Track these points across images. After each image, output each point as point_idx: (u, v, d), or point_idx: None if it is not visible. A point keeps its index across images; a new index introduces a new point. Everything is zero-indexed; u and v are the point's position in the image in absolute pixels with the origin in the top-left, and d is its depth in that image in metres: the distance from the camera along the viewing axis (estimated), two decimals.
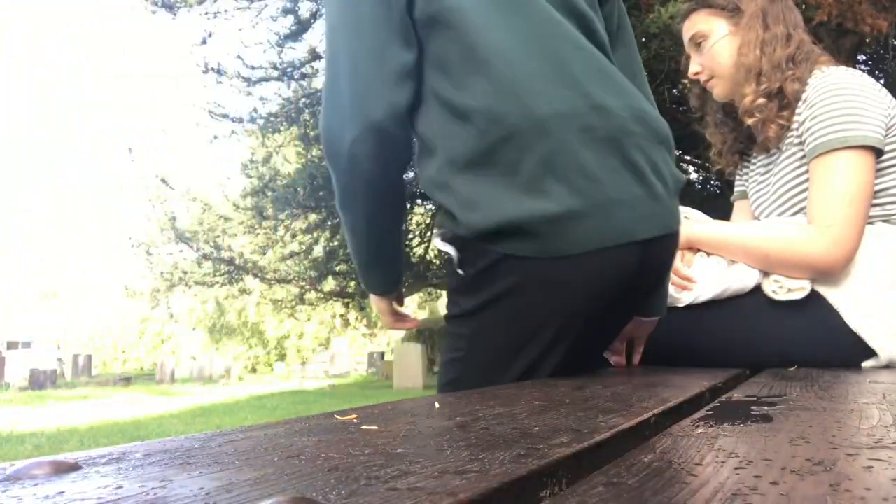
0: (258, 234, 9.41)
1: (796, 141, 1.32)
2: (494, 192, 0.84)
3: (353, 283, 10.02)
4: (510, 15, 0.87)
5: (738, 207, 1.59)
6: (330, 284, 10.14)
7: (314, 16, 7.76)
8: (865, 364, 1.19)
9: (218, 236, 9.34)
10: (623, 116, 0.88)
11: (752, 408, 0.60)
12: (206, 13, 7.66)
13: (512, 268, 0.87)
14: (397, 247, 1.06)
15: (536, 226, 0.83)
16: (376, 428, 0.48)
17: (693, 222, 1.33)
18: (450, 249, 0.91)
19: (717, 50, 1.41)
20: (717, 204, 4.15)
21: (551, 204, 0.82)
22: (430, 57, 0.90)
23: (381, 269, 1.07)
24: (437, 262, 10.30)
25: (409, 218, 10.16)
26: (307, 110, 8.43)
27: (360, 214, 0.98)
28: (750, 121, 1.37)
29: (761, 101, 1.34)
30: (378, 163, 0.92)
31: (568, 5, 0.95)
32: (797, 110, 1.32)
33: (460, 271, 0.91)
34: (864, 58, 6.33)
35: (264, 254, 9.75)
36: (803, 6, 4.00)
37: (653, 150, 0.91)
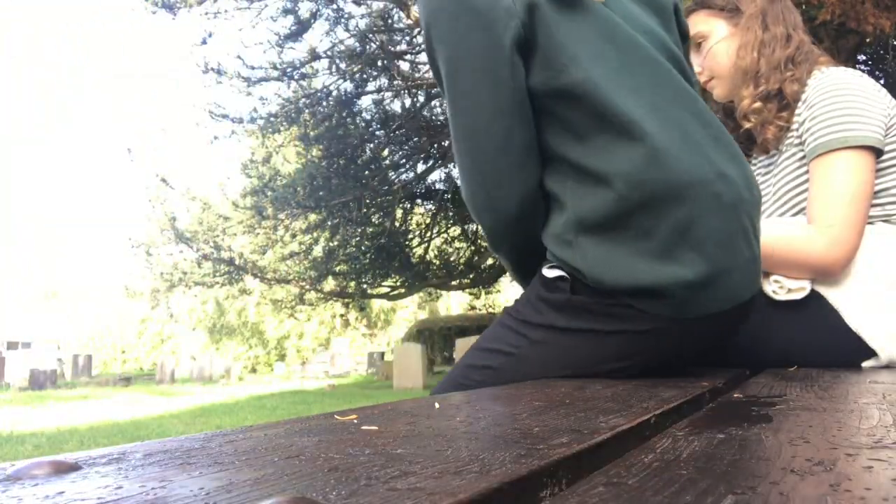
0: (258, 234, 9.42)
1: (796, 141, 1.32)
2: (626, 256, 0.86)
3: (352, 283, 10.04)
4: (634, 79, 0.88)
5: None
6: (330, 284, 10.14)
7: (314, 16, 7.76)
8: (865, 364, 1.19)
9: (218, 236, 9.34)
10: (739, 184, 0.90)
11: (752, 408, 0.60)
12: (206, 13, 7.66)
13: (628, 315, 0.89)
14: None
15: (668, 290, 0.85)
16: (376, 428, 0.48)
17: None
18: (562, 274, 0.92)
19: (716, 51, 1.41)
20: None
21: (685, 270, 0.85)
22: (556, 122, 0.90)
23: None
24: (438, 262, 10.31)
25: (410, 218, 10.17)
26: (307, 110, 8.43)
27: (506, 257, 1.06)
28: (747, 125, 1.37)
29: (758, 104, 1.34)
30: (517, 233, 0.98)
31: (668, 52, 0.97)
32: (797, 111, 1.32)
33: (573, 296, 0.91)
34: (864, 58, 6.33)
35: (264, 254, 9.75)
36: (804, 6, 4.00)
37: (754, 215, 0.94)
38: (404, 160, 9.41)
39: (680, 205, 0.84)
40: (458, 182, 1.01)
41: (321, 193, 8.20)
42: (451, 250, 10.64)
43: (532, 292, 0.99)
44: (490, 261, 10.63)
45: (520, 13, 0.86)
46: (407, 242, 9.96)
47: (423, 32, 0.95)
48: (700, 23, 1.42)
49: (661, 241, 0.85)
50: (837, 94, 1.26)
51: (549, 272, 0.94)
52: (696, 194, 0.85)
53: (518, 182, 0.93)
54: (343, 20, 8.01)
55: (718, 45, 1.40)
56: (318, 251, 9.93)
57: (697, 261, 0.85)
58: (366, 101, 9.07)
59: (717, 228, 0.86)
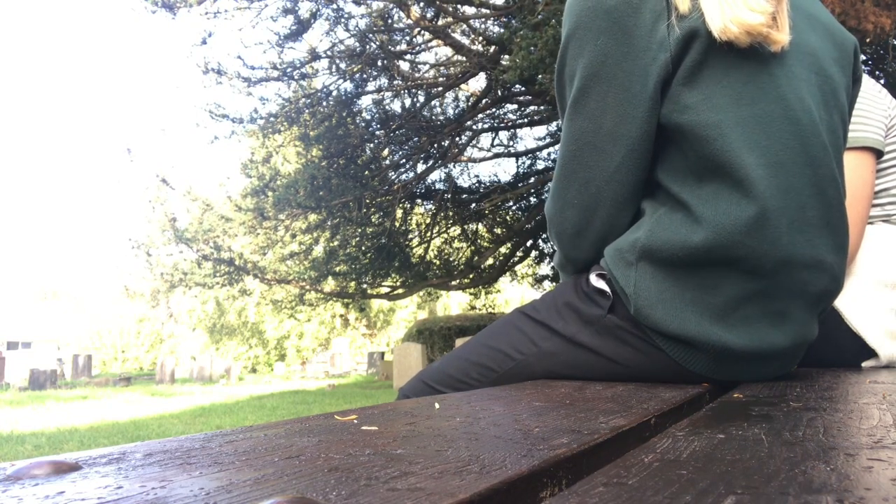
0: (258, 234, 9.42)
1: None
2: (681, 301, 0.81)
3: (352, 284, 10.04)
4: (767, 136, 0.80)
5: None
6: (330, 285, 10.14)
7: (314, 16, 7.76)
8: (865, 364, 1.19)
9: (218, 237, 9.34)
10: (831, 276, 0.86)
11: (752, 408, 0.60)
12: (206, 13, 7.66)
13: (657, 357, 0.86)
14: None
15: (709, 350, 0.81)
16: (376, 428, 0.48)
17: None
18: (606, 287, 0.88)
19: None
20: None
21: (734, 339, 0.81)
22: (673, 153, 0.84)
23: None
24: (438, 262, 10.30)
25: (410, 218, 10.17)
26: (307, 110, 8.44)
27: (565, 270, 1.02)
28: None
29: None
30: (590, 265, 0.95)
31: (836, 100, 0.89)
32: None
33: (609, 315, 0.88)
34: (865, 58, 6.33)
35: (264, 254, 9.75)
36: None
37: (823, 307, 0.90)
38: (404, 160, 9.41)
39: (761, 278, 0.79)
40: (546, 201, 0.96)
41: (321, 193, 8.20)
42: (451, 250, 10.64)
43: (560, 297, 0.94)
44: (490, 261, 10.63)
45: (672, 46, 0.79)
46: (407, 242, 9.96)
47: (562, 42, 0.89)
48: None
49: (724, 301, 0.80)
50: None
51: (596, 281, 0.89)
52: (783, 274, 0.80)
53: (612, 221, 0.88)
54: (343, 20, 8.01)
55: None
56: (318, 251, 9.93)
57: (750, 334, 0.81)
58: (366, 101, 9.08)
59: (786, 312, 0.82)
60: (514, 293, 22.26)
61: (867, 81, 1.29)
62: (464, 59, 8.47)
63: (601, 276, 0.89)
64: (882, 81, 6.21)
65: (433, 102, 9.29)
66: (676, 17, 0.79)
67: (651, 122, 0.82)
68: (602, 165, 0.85)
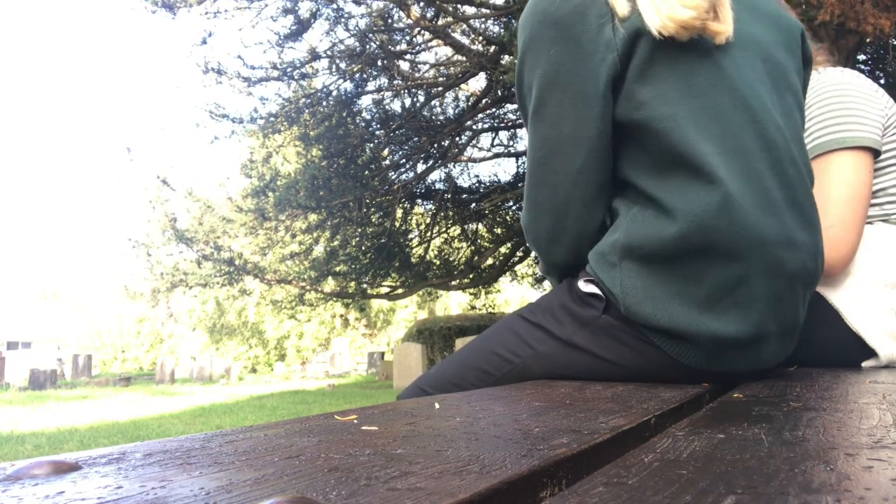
0: (258, 234, 9.42)
1: None
2: (667, 295, 0.83)
3: (352, 284, 10.03)
4: (721, 124, 0.83)
5: None
6: (330, 285, 10.14)
7: (314, 15, 7.76)
8: (865, 364, 1.19)
9: (218, 237, 9.34)
10: (807, 253, 0.87)
11: (752, 408, 0.60)
12: (206, 13, 7.66)
13: (652, 354, 0.87)
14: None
15: (701, 341, 0.83)
16: (376, 428, 0.48)
17: None
18: (597, 291, 0.90)
19: None
20: None
21: (722, 326, 0.82)
22: (635, 150, 0.87)
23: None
24: (438, 262, 10.30)
25: (410, 218, 10.17)
26: (307, 110, 8.43)
27: (553, 282, 1.05)
28: None
29: None
30: (573, 269, 0.97)
31: (787, 82, 0.92)
32: None
33: (605, 315, 0.89)
34: (864, 58, 6.33)
35: (264, 254, 9.75)
36: (804, 6, 4.00)
37: (809, 287, 0.91)
38: (404, 160, 9.41)
39: (738, 260, 0.81)
40: (523, 213, 0.98)
41: (321, 193, 8.20)
42: (451, 250, 10.63)
43: (555, 300, 0.95)
44: (490, 261, 10.63)
45: (619, 46, 0.83)
46: (407, 242, 9.96)
47: (517, 57, 0.93)
48: None
49: (708, 290, 0.82)
50: (834, 95, 1.26)
51: (586, 286, 0.91)
52: (758, 254, 0.82)
53: (583, 221, 0.91)
54: (343, 20, 8.01)
55: None
56: (318, 251, 9.93)
57: (739, 320, 0.82)
58: (366, 101, 9.07)
59: (768, 293, 0.83)
60: (514, 293, 22.26)
61: (863, 81, 1.29)
62: (464, 59, 8.47)
63: (589, 280, 0.91)
64: (882, 81, 6.21)
65: (433, 102, 9.29)
66: (619, 20, 0.83)
67: (606, 120, 0.86)
68: (567, 168, 0.88)
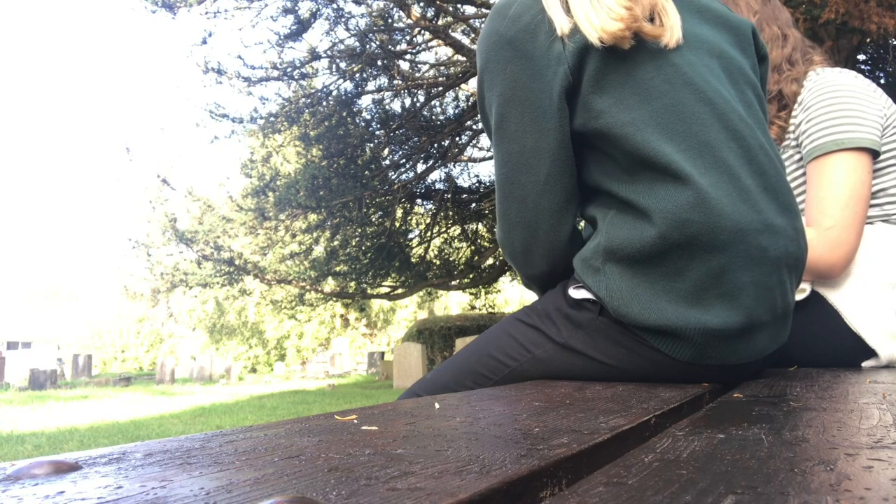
0: (258, 234, 9.41)
1: (793, 143, 1.33)
2: (653, 293, 0.84)
3: (352, 284, 10.03)
4: (683, 122, 0.84)
5: None
6: (330, 285, 10.14)
7: (314, 15, 7.76)
8: (865, 364, 1.19)
9: (218, 237, 9.34)
10: (787, 237, 0.88)
11: (752, 408, 0.60)
12: (206, 13, 7.66)
13: (647, 353, 0.87)
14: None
15: (691, 335, 0.83)
16: (376, 428, 0.48)
17: None
18: (589, 296, 0.90)
19: None
20: None
21: (711, 318, 0.83)
22: (602, 157, 0.89)
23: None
24: (438, 262, 10.31)
25: (410, 218, 10.17)
26: (307, 110, 8.43)
27: (537, 292, 1.07)
28: None
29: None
30: (553, 278, 0.99)
31: (744, 76, 0.94)
32: (793, 112, 1.32)
33: (600, 317, 0.90)
34: (864, 58, 6.33)
35: (264, 254, 9.75)
36: (806, 4, 3.99)
37: (798, 268, 0.92)
38: (404, 160, 9.41)
39: (719, 251, 0.82)
40: (497, 228, 1.00)
41: (321, 193, 8.20)
42: (451, 250, 10.63)
43: (551, 304, 0.96)
44: (490, 261, 10.63)
45: (569, 59, 0.85)
46: (407, 242, 9.96)
47: (477, 78, 0.96)
48: None
49: (692, 284, 0.82)
50: (833, 96, 1.26)
51: (576, 293, 0.91)
52: (739, 243, 0.82)
53: (554, 230, 0.92)
54: (343, 20, 8.01)
55: None
56: (318, 251, 9.93)
57: (727, 310, 0.83)
58: (366, 101, 9.07)
59: (754, 281, 0.83)
60: (514, 293, 22.25)
61: (862, 81, 1.29)
62: (464, 58, 8.46)
63: (580, 288, 0.92)
64: (882, 82, 6.21)
65: (433, 102, 9.28)
66: (565, 36, 0.86)
67: (564, 130, 0.88)
68: (533, 180, 0.91)
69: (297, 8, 7.73)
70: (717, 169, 0.83)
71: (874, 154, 1.24)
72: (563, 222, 0.93)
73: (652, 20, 0.87)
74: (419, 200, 10.11)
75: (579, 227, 0.96)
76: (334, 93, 8.51)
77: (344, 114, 8.49)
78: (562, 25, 0.85)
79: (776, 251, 0.85)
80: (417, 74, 9.01)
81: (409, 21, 8.08)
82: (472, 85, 9.46)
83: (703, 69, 0.88)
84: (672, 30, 0.87)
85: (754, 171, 0.87)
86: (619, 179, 0.87)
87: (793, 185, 1.33)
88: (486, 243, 10.55)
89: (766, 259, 0.84)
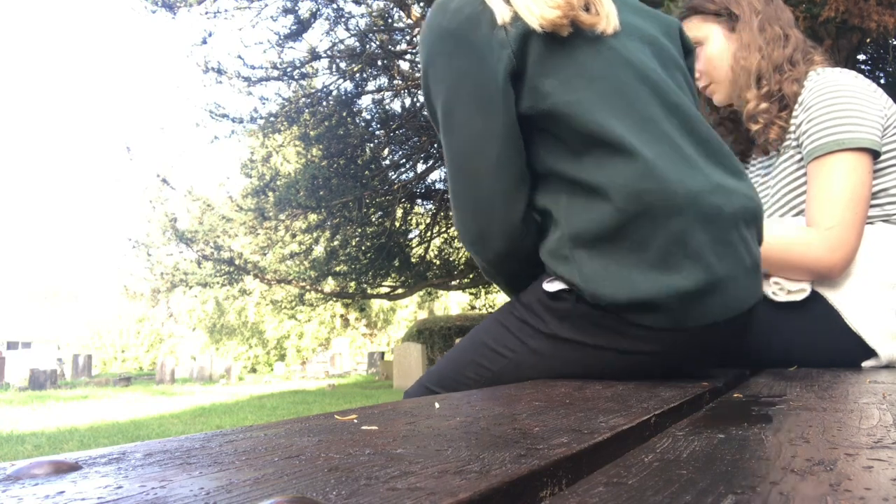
0: (258, 234, 9.41)
1: (794, 143, 1.33)
2: (623, 268, 0.86)
3: (352, 284, 10.03)
4: (624, 99, 0.89)
5: None
6: (330, 285, 10.14)
7: (314, 15, 7.76)
8: (865, 364, 1.19)
9: (218, 237, 9.34)
10: (741, 195, 0.91)
11: (752, 408, 0.60)
12: (206, 13, 7.66)
13: (629, 331, 0.89)
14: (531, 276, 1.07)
15: (668, 301, 0.85)
16: (376, 428, 0.48)
17: None
18: (564, 287, 0.91)
19: (713, 55, 1.41)
20: None
21: (683, 280, 0.85)
22: (549, 139, 0.91)
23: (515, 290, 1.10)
24: (438, 262, 10.30)
25: (409, 218, 10.18)
26: (307, 110, 8.43)
27: (501, 283, 1.07)
28: (755, 126, 1.37)
29: (764, 105, 1.34)
30: (511, 262, 0.99)
31: (674, 62, 0.99)
32: (794, 112, 1.32)
33: (577, 304, 0.91)
34: (864, 58, 6.33)
35: (265, 254, 9.75)
36: (806, 3, 3.99)
37: (757, 222, 0.95)
38: (404, 160, 9.41)
39: (677, 215, 0.84)
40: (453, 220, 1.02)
41: (321, 193, 8.20)
42: (451, 250, 10.63)
43: (532, 298, 0.97)
44: None
45: (512, 44, 0.88)
46: (407, 242, 9.96)
47: (421, 73, 0.97)
48: (694, 28, 1.42)
49: (657, 251, 0.85)
50: (833, 97, 1.26)
51: (551, 286, 0.93)
52: (693, 204, 0.85)
53: (508, 212, 0.94)
54: (343, 20, 8.01)
55: (715, 49, 1.40)
56: (318, 251, 9.93)
57: (695, 270, 0.85)
58: (366, 101, 9.07)
59: (715, 238, 0.86)
60: None
61: (862, 81, 1.29)
62: None
63: (553, 280, 0.93)
64: (882, 82, 6.21)
65: None
66: (507, 24, 0.89)
67: (510, 113, 0.90)
68: (486, 164, 0.92)
69: (297, 8, 7.73)
70: (661, 141, 0.87)
71: (875, 154, 1.24)
72: (515, 206, 0.94)
73: (588, 10, 0.91)
74: (419, 200, 10.11)
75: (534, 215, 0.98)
76: (334, 93, 8.51)
77: (344, 114, 8.49)
78: (503, 14, 0.88)
79: (731, 207, 0.88)
80: (417, 74, 9.01)
81: (409, 21, 8.07)
82: None
83: (637, 52, 0.93)
84: (608, 18, 0.92)
85: (697, 140, 0.91)
86: (567, 160, 0.90)
87: (793, 185, 1.33)
88: None
89: (723, 216, 0.87)
